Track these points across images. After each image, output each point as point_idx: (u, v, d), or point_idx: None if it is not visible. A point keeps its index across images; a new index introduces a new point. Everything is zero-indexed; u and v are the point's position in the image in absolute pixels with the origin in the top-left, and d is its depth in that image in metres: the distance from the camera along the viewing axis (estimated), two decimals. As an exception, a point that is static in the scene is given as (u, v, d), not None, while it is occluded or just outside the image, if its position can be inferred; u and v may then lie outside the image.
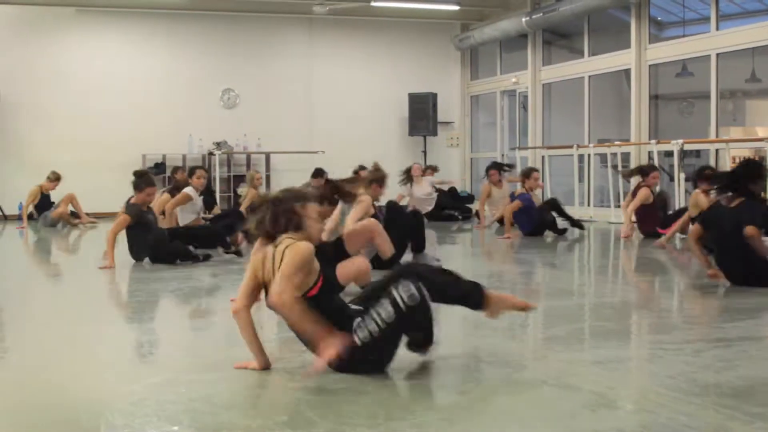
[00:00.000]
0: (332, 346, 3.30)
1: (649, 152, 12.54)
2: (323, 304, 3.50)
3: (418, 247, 7.13)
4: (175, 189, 10.04)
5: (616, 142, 13.03)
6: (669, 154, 11.87)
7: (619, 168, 12.76)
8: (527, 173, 10.48)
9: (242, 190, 14.85)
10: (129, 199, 7.85)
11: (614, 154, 12.82)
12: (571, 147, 13.36)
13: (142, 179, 7.74)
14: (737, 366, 3.67)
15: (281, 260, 3.46)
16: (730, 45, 11.64)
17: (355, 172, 10.69)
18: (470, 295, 3.71)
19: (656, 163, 12.38)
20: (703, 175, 8.49)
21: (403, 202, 12.34)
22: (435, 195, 13.36)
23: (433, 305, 3.52)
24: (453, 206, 13.60)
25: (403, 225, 7.10)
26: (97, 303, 6.03)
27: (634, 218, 9.96)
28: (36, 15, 15.10)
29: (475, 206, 13.60)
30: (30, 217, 13.33)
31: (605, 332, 4.57)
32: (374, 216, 6.80)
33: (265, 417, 3.00)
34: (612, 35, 14.35)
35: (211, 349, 4.35)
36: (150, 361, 4.08)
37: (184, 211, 9.07)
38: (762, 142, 11.35)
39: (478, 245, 10.02)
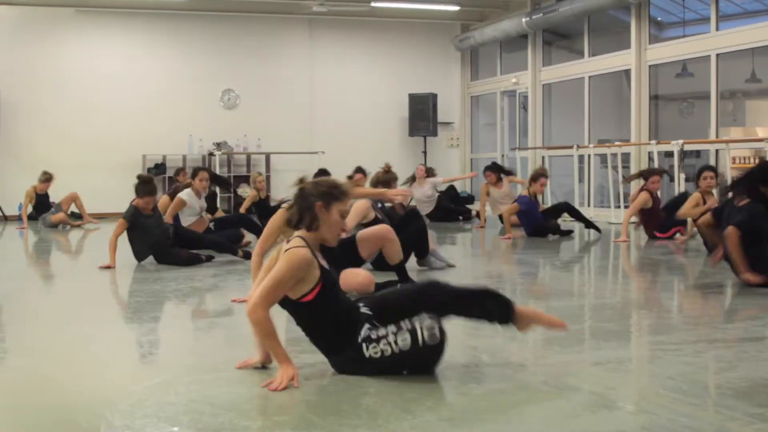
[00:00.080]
0: (287, 378, 3.31)
1: (649, 153, 12.54)
2: (320, 308, 3.48)
3: (421, 253, 7.08)
4: (175, 192, 10.03)
5: (616, 143, 13.03)
6: (669, 154, 11.87)
7: (620, 169, 12.77)
8: (535, 177, 10.26)
9: (243, 190, 14.87)
10: (132, 201, 7.92)
11: (614, 155, 12.82)
12: (571, 147, 13.36)
13: (142, 186, 7.73)
14: (737, 367, 3.67)
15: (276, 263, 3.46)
16: (730, 45, 11.65)
17: (350, 177, 10.66)
18: (498, 314, 3.62)
19: (656, 163, 12.39)
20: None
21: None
22: (435, 196, 13.36)
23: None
24: (453, 208, 13.57)
25: (415, 230, 7.04)
26: (98, 303, 6.02)
27: (635, 219, 9.95)
28: (36, 15, 15.11)
29: (475, 207, 13.60)
30: (31, 217, 13.32)
31: (605, 333, 4.57)
32: (375, 219, 6.78)
33: (265, 418, 3.00)
34: (612, 36, 14.36)
35: (211, 349, 4.35)
36: (150, 362, 4.08)
37: (182, 214, 9.06)
38: (762, 143, 11.35)
39: (478, 246, 10.02)
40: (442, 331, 3.38)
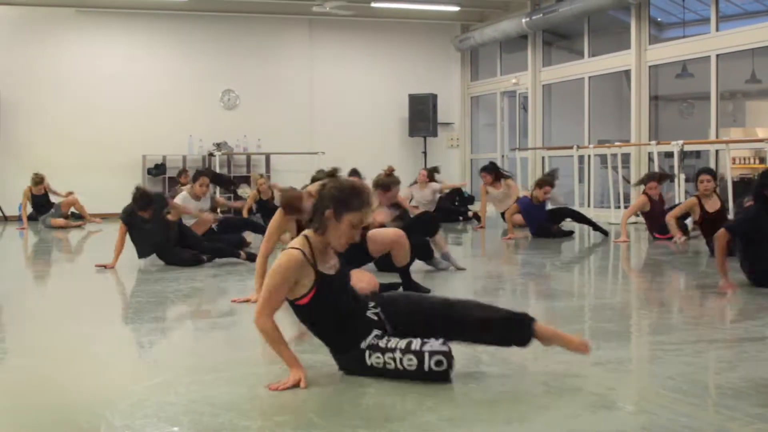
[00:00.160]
0: (292, 380, 3.31)
1: (649, 153, 12.55)
2: (315, 312, 3.47)
3: (425, 257, 7.06)
4: (176, 195, 10.01)
5: (616, 143, 13.03)
6: (669, 155, 11.88)
7: (620, 169, 12.77)
8: (540, 184, 10.15)
9: (243, 191, 14.86)
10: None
11: (614, 155, 12.82)
12: (571, 148, 13.36)
13: (137, 203, 7.72)
14: (737, 367, 3.67)
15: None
16: (730, 46, 11.65)
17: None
18: (516, 339, 3.46)
19: (656, 164, 12.40)
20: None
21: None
22: (437, 198, 13.32)
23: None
24: (453, 209, 13.53)
25: (423, 234, 7.01)
26: (98, 303, 6.02)
27: (636, 219, 9.96)
28: (36, 16, 15.11)
29: (475, 207, 13.58)
30: (31, 218, 13.32)
31: (605, 333, 4.57)
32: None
33: (265, 418, 3.00)
34: (612, 36, 14.37)
35: (212, 350, 4.35)
36: (150, 362, 4.08)
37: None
38: (762, 143, 11.36)
39: (478, 246, 10.02)
40: (449, 361, 3.33)
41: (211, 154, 15.51)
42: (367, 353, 3.42)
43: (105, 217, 13.64)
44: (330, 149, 15.54)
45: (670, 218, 8.12)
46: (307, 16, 16.01)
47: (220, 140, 15.63)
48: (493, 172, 11.81)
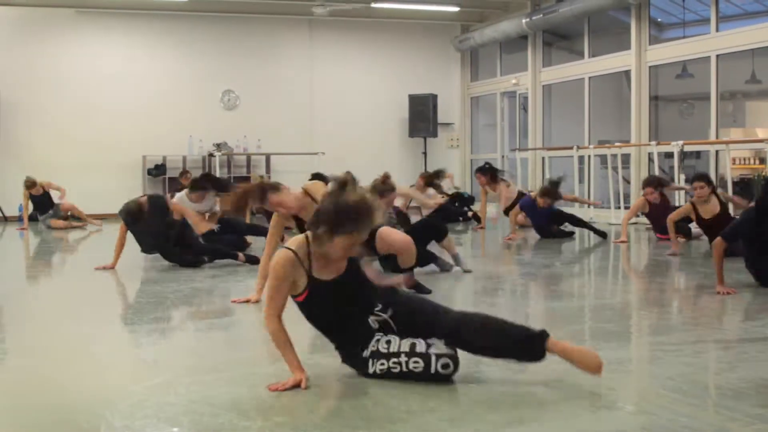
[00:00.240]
0: (292, 381, 3.30)
1: (649, 153, 12.55)
2: (312, 311, 3.48)
3: (423, 264, 7.04)
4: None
5: (617, 144, 13.03)
6: (669, 155, 11.88)
7: (620, 170, 12.78)
8: (543, 193, 10.04)
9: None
10: None
11: (614, 156, 12.83)
12: (571, 148, 13.36)
13: (124, 214, 7.71)
14: (737, 367, 3.67)
15: None
16: (730, 46, 11.65)
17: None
18: (527, 357, 3.36)
19: (656, 164, 12.40)
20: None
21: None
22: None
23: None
24: (454, 210, 13.49)
25: (431, 239, 7.00)
26: (98, 304, 6.03)
27: (637, 220, 9.95)
28: (36, 16, 15.11)
29: (476, 207, 13.58)
30: (32, 218, 13.30)
31: (605, 333, 4.57)
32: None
33: (265, 418, 3.00)
34: (612, 36, 14.37)
35: (212, 350, 4.35)
36: (150, 363, 4.08)
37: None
38: (762, 144, 11.36)
39: (478, 247, 10.02)
40: (455, 364, 3.33)
41: (211, 155, 15.51)
42: (370, 362, 3.40)
43: (104, 217, 13.64)
44: (330, 150, 15.54)
45: (670, 222, 8.09)
46: (307, 17, 16.01)
47: (220, 141, 15.62)
48: (488, 174, 11.80)
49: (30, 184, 13.02)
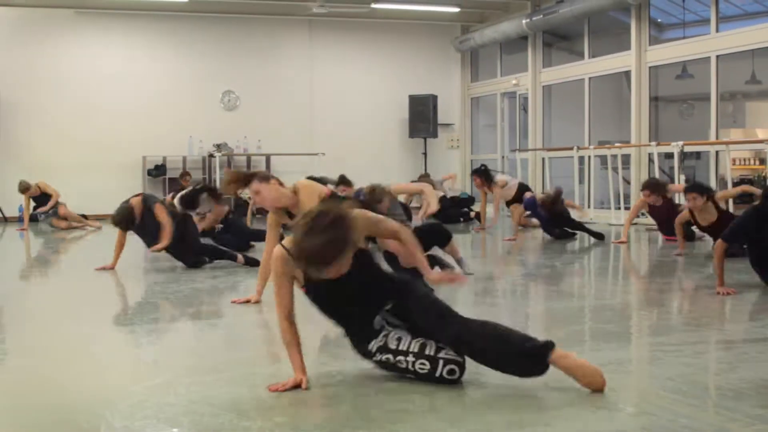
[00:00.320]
0: (292, 382, 3.30)
1: (649, 154, 12.55)
2: (316, 305, 3.49)
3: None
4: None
5: (617, 144, 13.03)
6: (669, 155, 11.88)
7: (620, 170, 12.77)
8: (543, 204, 10.04)
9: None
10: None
11: (614, 156, 12.83)
12: (571, 149, 13.36)
13: (115, 223, 7.70)
14: (737, 368, 3.67)
15: None
16: (730, 47, 11.65)
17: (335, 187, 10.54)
18: (530, 372, 3.30)
19: (656, 165, 12.39)
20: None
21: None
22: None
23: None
24: (455, 211, 13.48)
25: (435, 244, 6.99)
26: (98, 304, 6.02)
27: (638, 220, 9.94)
28: (35, 17, 15.11)
29: (476, 208, 13.58)
30: (34, 218, 13.29)
31: (605, 334, 4.57)
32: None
33: (265, 419, 3.00)
34: (612, 37, 14.37)
35: (212, 350, 4.35)
36: (150, 363, 4.08)
37: None
38: (762, 144, 11.37)
39: (478, 247, 10.02)
40: (462, 371, 3.34)
41: (211, 155, 15.50)
42: (377, 354, 3.41)
43: (104, 218, 13.63)
44: (330, 150, 15.53)
45: (677, 225, 8.07)
46: (307, 17, 16.02)
47: (221, 141, 15.62)
48: (483, 176, 11.81)
49: (23, 189, 12.96)
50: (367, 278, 3.42)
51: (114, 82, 15.37)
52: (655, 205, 9.26)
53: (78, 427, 2.95)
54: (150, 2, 15.15)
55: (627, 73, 13.47)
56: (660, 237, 9.69)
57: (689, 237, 8.98)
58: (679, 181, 10.89)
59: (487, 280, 6.90)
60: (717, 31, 11.81)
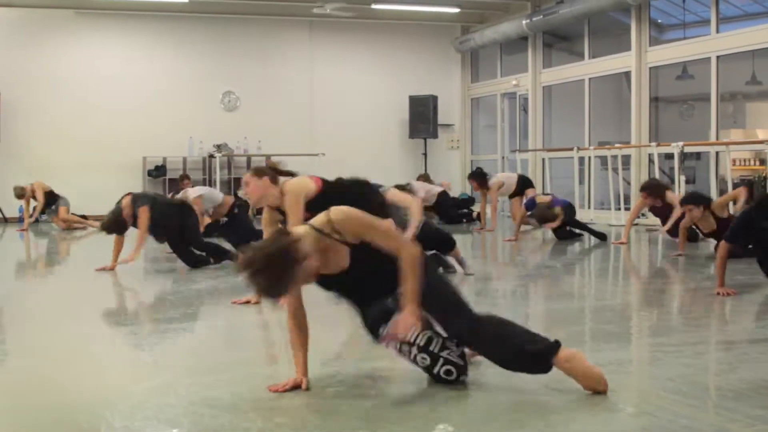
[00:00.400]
0: (291, 382, 3.30)
1: (650, 155, 12.54)
2: (330, 291, 3.47)
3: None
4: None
5: (617, 145, 13.03)
6: (669, 156, 11.87)
7: (620, 171, 12.77)
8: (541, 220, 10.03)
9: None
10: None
11: (614, 157, 12.82)
12: (571, 149, 13.36)
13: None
14: (738, 368, 3.67)
15: None
16: (731, 47, 11.64)
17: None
18: (534, 371, 3.30)
19: (656, 165, 12.39)
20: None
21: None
22: (432, 202, 13.24)
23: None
24: (455, 214, 13.45)
25: (438, 251, 7.00)
26: (98, 304, 6.02)
27: (638, 221, 9.92)
28: (35, 17, 15.10)
29: (476, 208, 13.58)
30: (36, 219, 13.28)
31: (605, 335, 4.57)
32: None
33: (265, 419, 3.00)
34: (612, 38, 14.36)
35: (211, 351, 4.35)
36: (150, 363, 4.08)
37: None
38: (762, 145, 11.35)
39: (479, 248, 10.02)
40: (460, 374, 3.35)
41: (211, 156, 15.50)
42: (387, 340, 3.40)
43: (103, 218, 13.63)
44: (330, 150, 15.51)
45: (682, 228, 8.05)
46: (307, 17, 16.01)
47: (221, 142, 15.61)
48: (478, 178, 11.84)
49: (18, 195, 12.99)
50: (371, 269, 3.31)
51: (114, 83, 15.36)
52: (656, 206, 9.26)
53: (78, 427, 2.95)
54: (150, 2, 15.14)
55: (627, 74, 13.46)
56: (660, 237, 9.69)
57: (692, 237, 8.97)
58: (680, 182, 10.89)
59: (487, 280, 6.90)
60: (717, 31, 11.80)
